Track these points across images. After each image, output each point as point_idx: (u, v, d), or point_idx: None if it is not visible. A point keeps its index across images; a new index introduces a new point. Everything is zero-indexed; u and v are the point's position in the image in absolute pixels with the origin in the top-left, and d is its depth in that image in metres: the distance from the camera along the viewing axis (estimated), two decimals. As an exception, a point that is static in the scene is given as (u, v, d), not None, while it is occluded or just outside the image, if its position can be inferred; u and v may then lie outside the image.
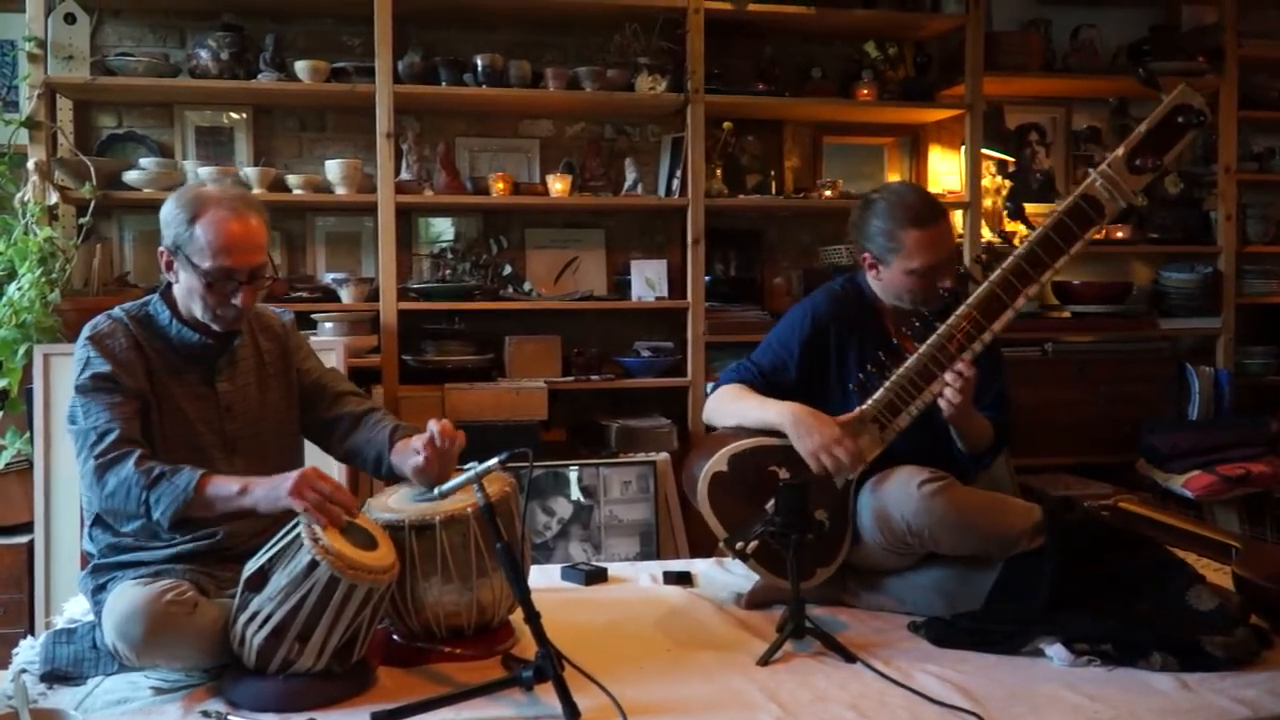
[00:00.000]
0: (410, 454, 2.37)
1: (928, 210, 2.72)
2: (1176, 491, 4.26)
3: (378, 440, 2.48)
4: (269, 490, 2.17)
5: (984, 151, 4.61)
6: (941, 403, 2.59)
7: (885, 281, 2.76)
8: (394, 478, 2.51)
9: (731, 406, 2.74)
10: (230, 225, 2.31)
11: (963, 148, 4.63)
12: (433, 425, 2.36)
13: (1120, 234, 4.82)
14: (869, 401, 2.62)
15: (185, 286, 2.35)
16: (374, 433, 2.50)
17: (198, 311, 2.36)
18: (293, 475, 2.16)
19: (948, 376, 2.58)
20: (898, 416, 2.62)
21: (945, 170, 4.79)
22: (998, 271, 2.62)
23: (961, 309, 2.62)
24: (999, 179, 4.84)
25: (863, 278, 2.87)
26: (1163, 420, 4.57)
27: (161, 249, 2.36)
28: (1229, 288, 4.82)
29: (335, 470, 3.44)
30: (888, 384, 2.62)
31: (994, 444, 2.78)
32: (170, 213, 2.34)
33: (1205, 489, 4.16)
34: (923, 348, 2.61)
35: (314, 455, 2.64)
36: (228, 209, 2.32)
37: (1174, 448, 4.35)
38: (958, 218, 4.50)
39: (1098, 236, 4.69)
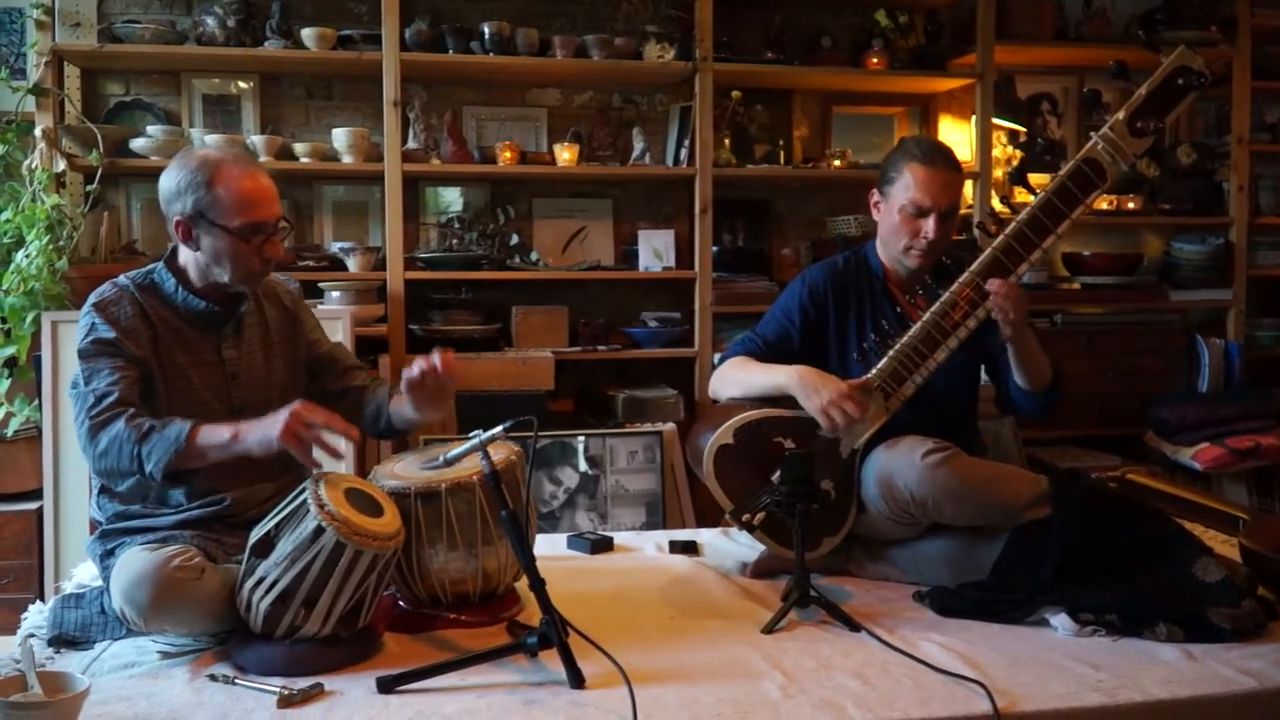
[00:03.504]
0: (406, 381, 2.38)
1: (936, 153, 2.72)
2: (1185, 464, 4.25)
3: (379, 396, 2.52)
4: (261, 433, 2.15)
5: (995, 121, 4.58)
6: (997, 314, 2.56)
7: (881, 223, 2.77)
8: (390, 433, 2.54)
9: (738, 375, 2.74)
10: (248, 181, 2.32)
11: (973, 117, 4.60)
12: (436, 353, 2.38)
13: (1131, 205, 4.79)
14: (873, 370, 2.62)
15: (211, 251, 2.33)
16: (375, 394, 2.54)
17: (225, 275, 2.35)
18: (283, 414, 2.15)
19: (991, 283, 2.55)
20: (902, 385, 2.61)
21: (956, 140, 4.76)
22: (1000, 237, 2.60)
23: (965, 275, 2.61)
24: (1010, 149, 4.81)
25: (869, 248, 2.87)
26: (1172, 392, 4.56)
27: (178, 219, 2.33)
28: (1240, 259, 4.79)
29: (342, 443, 3.45)
30: (891, 353, 2.61)
31: (1052, 386, 2.75)
32: (182, 181, 2.32)
33: (1214, 461, 4.15)
34: (926, 315, 2.60)
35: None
36: (240, 167, 2.34)
37: (1183, 420, 4.34)
38: (967, 188, 4.48)
39: (1109, 207, 4.74)
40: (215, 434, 2.18)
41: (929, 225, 2.67)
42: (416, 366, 2.36)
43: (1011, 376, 2.75)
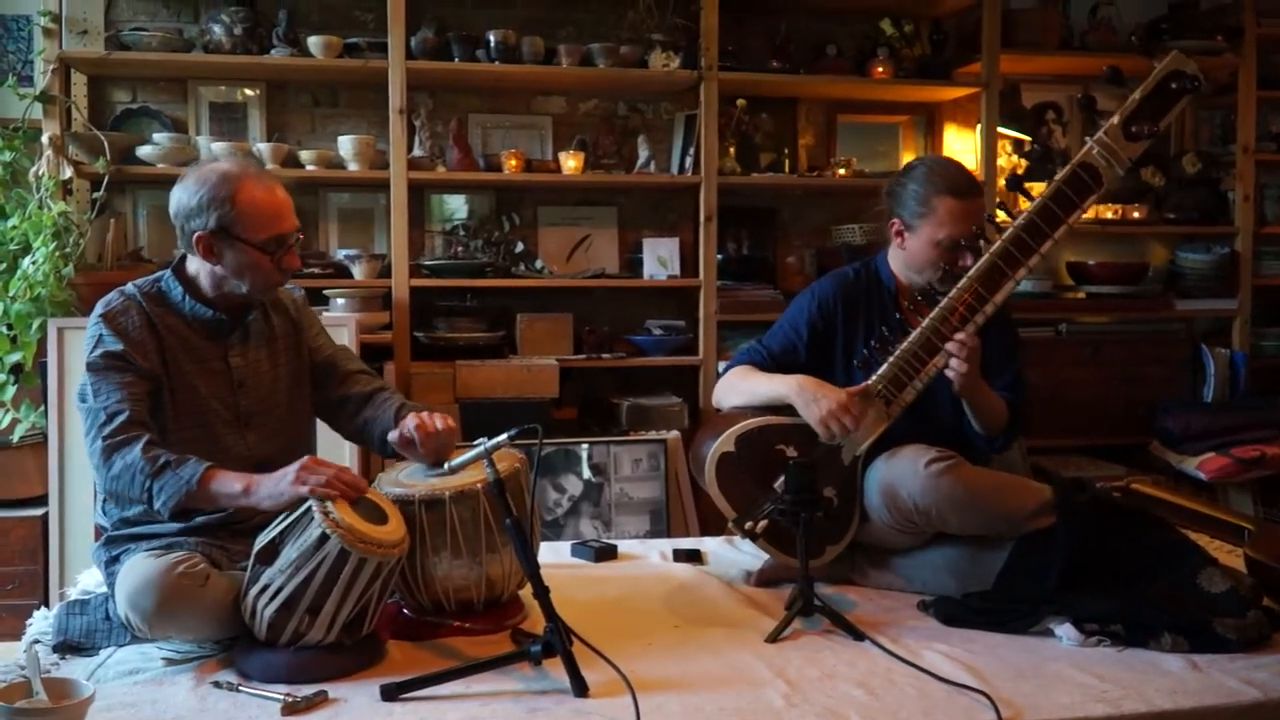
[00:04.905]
0: (404, 431, 2.38)
1: (966, 182, 2.71)
2: (1190, 474, 4.24)
3: (383, 419, 2.48)
4: (272, 487, 2.16)
5: (1000, 130, 4.58)
6: (949, 373, 2.58)
7: (909, 251, 2.75)
8: (398, 456, 2.51)
9: (741, 384, 2.74)
10: (269, 195, 2.35)
11: (978, 127, 4.60)
12: (426, 414, 2.39)
13: (1136, 214, 4.79)
14: (874, 377, 2.61)
15: (234, 266, 2.34)
16: (380, 411, 2.50)
17: (244, 287, 2.36)
18: (293, 468, 2.16)
19: (949, 346, 2.57)
20: (903, 391, 2.61)
21: (961, 149, 4.77)
22: (998, 243, 2.60)
23: (963, 281, 2.60)
24: (1015, 158, 4.81)
25: (880, 260, 2.86)
26: (1177, 402, 4.55)
27: (199, 235, 2.32)
28: (1245, 269, 4.78)
29: (346, 451, 3.46)
30: (891, 359, 2.60)
31: (1009, 426, 2.76)
32: (203, 197, 2.31)
33: (1219, 471, 4.14)
34: (925, 321, 2.60)
35: (325, 433, 2.65)
36: (260, 181, 2.36)
37: (1188, 430, 4.33)
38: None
39: (1114, 216, 4.73)
40: (227, 484, 2.18)
41: (967, 254, 2.66)
42: (410, 424, 2.36)
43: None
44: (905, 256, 2.76)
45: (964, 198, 2.67)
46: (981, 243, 2.64)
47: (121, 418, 2.21)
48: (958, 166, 2.79)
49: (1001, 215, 2.68)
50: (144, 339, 2.31)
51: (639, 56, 4.27)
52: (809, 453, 2.58)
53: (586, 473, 4.02)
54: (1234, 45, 4.69)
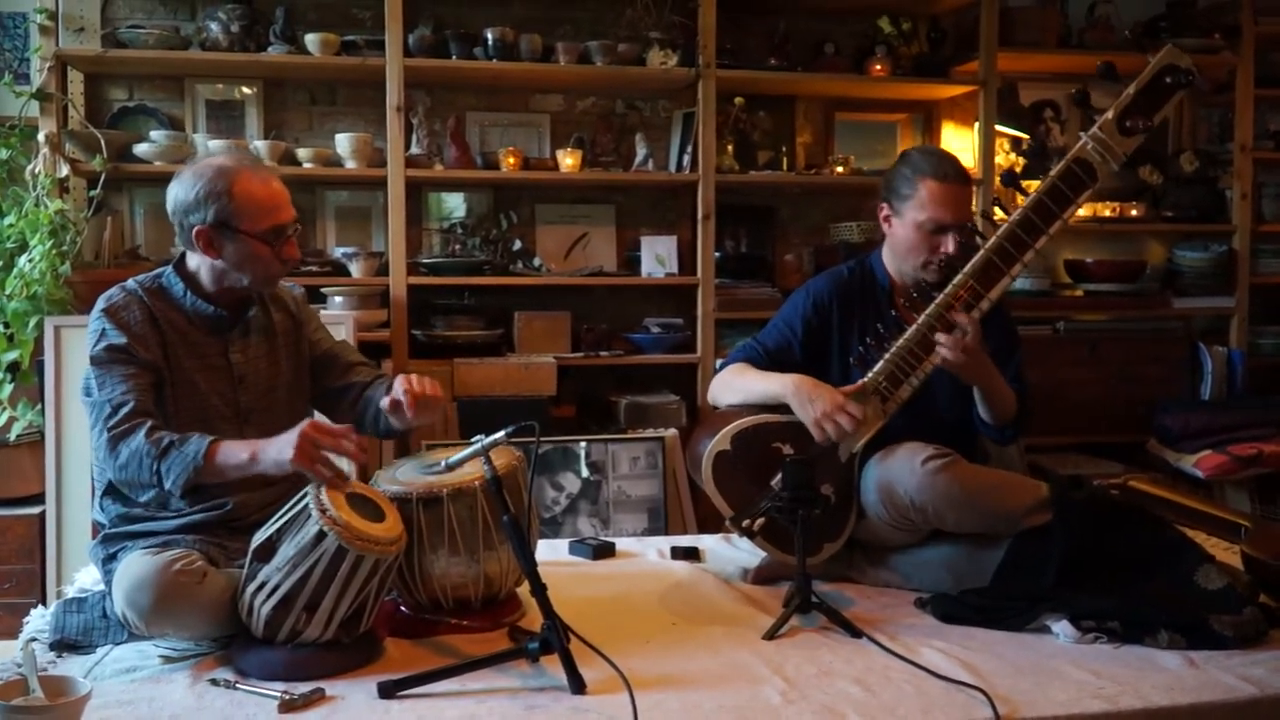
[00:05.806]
0: (393, 395, 2.39)
1: (951, 169, 2.71)
2: (1188, 471, 4.24)
3: (376, 397, 2.49)
4: (276, 454, 2.16)
5: (998, 128, 4.58)
6: (944, 352, 2.56)
7: (894, 237, 2.76)
8: (390, 435, 2.53)
9: (736, 382, 2.74)
10: (264, 186, 2.37)
11: (976, 125, 4.60)
12: (415, 377, 2.41)
13: (1134, 212, 4.79)
14: (870, 374, 2.61)
15: (235, 258, 2.35)
16: (375, 391, 2.52)
17: (246, 279, 2.37)
18: (294, 436, 2.16)
19: (938, 337, 2.57)
20: (899, 388, 2.61)
21: (959, 147, 4.76)
22: (993, 239, 2.60)
23: (958, 278, 2.60)
24: (1013, 156, 4.81)
25: (874, 258, 2.86)
26: (1175, 400, 4.55)
27: (199, 229, 2.33)
28: (1243, 267, 4.78)
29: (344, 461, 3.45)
30: (887, 356, 2.60)
31: (1017, 417, 2.76)
32: (201, 191, 2.32)
33: (1216, 469, 4.15)
34: (920, 318, 2.60)
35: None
36: (256, 173, 2.38)
37: (1186, 428, 4.34)
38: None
39: (1112, 214, 4.73)
40: (233, 454, 2.18)
41: (949, 241, 2.66)
42: (398, 387, 2.37)
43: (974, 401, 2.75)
44: (891, 243, 2.78)
45: (947, 181, 2.67)
46: (977, 238, 2.64)
47: (126, 408, 2.22)
48: (946, 154, 2.80)
49: (998, 213, 2.68)
50: (145, 333, 2.32)
51: (637, 54, 4.27)
52: (805, 450, 2.58)
53: (584, 470, 4.02)
54: (1232, 43, 4.69)
